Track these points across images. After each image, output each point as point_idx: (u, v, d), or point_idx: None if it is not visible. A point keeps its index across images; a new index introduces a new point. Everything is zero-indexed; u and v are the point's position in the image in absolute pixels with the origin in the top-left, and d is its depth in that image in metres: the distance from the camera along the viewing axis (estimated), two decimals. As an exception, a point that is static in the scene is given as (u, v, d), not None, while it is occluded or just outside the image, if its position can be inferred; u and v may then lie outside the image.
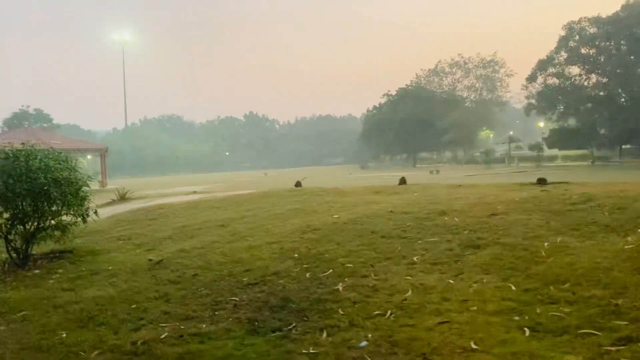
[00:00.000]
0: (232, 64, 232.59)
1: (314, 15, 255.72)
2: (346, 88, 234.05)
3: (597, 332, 3.83)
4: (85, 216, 9.63)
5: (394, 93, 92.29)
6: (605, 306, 4.27)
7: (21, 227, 9.16)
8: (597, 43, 63.05)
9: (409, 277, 5.53)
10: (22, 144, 9.53)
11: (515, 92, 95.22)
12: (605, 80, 62.71)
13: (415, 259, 6.16)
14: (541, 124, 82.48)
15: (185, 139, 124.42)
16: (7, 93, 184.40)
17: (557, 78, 66.07)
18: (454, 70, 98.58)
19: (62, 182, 9.16)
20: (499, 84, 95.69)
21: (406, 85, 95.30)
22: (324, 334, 4.48)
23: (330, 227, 8.35)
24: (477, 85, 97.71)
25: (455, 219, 7.89)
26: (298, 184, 16.94)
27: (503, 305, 4.54)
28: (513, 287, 4.94)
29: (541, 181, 12.17)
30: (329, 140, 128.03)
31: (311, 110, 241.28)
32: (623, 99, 61.27)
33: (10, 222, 9.06)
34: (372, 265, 6.07)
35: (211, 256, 7.80)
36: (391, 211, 8.92)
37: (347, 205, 10.35)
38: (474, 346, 3.83)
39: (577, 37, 64.18)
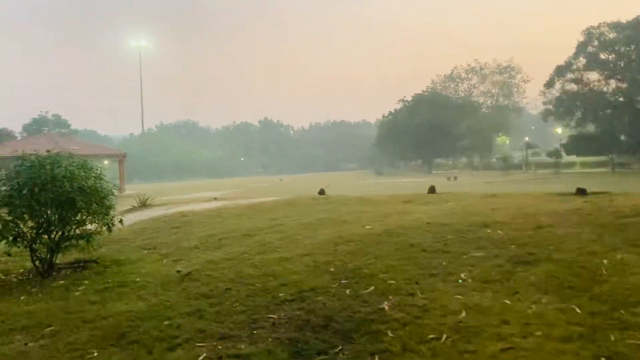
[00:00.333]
0: (247, 70, 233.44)
1: (328, 22, 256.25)
2: (360, 94, 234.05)
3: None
4: (111, 225, 9.44)
5: (409, 99, 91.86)
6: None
7: (46, 236, 8.98)
8: (616, 48, 62.30)
9: (460, 296, 5.21)
10: (48, 151, 9.36)
11: (532, 97, 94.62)
12: (624, 85, 61.83)
13: (463, 275, 5.83)
14: (559, 130, 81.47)
15: (200, 144, 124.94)
16: (26, 99, 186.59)
17: (575, 84, 65.30)
18: (470, 76, 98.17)
19: (88, 190, 8.98)
20: (515, 89, 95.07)
21: (422, 91, 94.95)
22: (376, 360, 4.18)
23: (363, 238, 8.04)
24: (493, 91, 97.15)
25: (499, 231, 7.54)
26: (322, 192, 16.65)
27: (570, 331, 4.20)
28: (578, 310, 4.60)
29: (581, 191, 11.75)
30: (343, 145, 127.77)
31: (325, 116, 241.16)
32: (644, 105, 60.33)
33: (35, 231, 8.88)
34: (417, 283, 5.75)
35: (242, 268, 7.53)
36: (428, 222, 8.58)
37: (378, 215, 10.03)
38: (547, 378, 3.51)
39: (596, 43, 63.45)
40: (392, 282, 5.89)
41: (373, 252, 7.21)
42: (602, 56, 63.17)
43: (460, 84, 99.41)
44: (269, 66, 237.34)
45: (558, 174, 53.21)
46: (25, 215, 8.82)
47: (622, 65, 61.75)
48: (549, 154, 65.69)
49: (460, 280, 5.71)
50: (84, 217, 9.22)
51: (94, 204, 9.15)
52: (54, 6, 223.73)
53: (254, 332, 5.28)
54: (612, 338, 3.99)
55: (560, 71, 65.26)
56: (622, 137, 62.33)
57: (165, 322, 5.85)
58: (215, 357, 4.73)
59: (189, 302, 6.49)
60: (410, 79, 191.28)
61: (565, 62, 64.98)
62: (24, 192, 8.54)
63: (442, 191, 15.93)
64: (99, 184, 9.28)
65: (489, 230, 7.66)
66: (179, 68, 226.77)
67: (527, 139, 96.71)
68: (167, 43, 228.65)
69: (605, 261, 5.84)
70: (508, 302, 4.96)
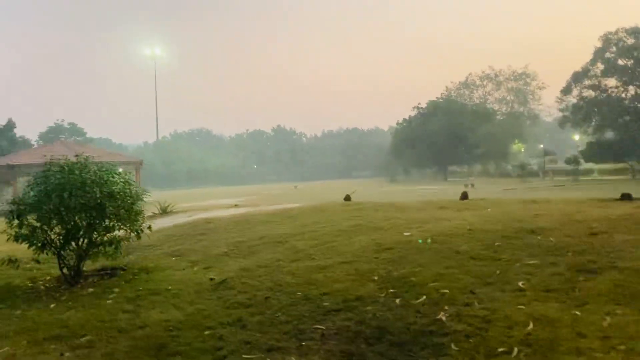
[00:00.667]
0: (260, 78, 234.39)
1: (340, 30, 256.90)
2: (373, 101, 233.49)
3: None
4: (140, 232, 9.22)
5: (424, 106, 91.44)
6: None
7: (74, 242, 8.78)
8: (635, 54, 61.48)
9: (523, 307, 4.88)
10: (76, 156, 9.18)
11: (547, 104, 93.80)
12: (643, 92, 61.06)
13: (520, 284, 5.50)
14: (576, 137, 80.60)
15: (214, 152, 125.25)
16: (42, 107, 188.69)
17: (593, 90, 64.52)
18: (484, 82, 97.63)
19: (117, 196, 8.78)
20: (530, 96, 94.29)
21: (436, 98, 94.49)
22: (444, 375, 3.88)
23: (404, 246, 7.73)
24: (508, 98, 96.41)
25: (551, 238, 7.19)
26: (348, 198, 16.36)
27: (657, 345, 3.88)
28: (659, 322, 4.28)
29: (626, 197, 11.32)
30: (356, 153, 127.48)
31: (338, 123, 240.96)
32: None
33: (63, 237, 8.69)
34: (472, 292, 5.44)
35: (279, 276, 7.26)
36: (470, 229, 8.25)
37: (414, 221, 9.71)
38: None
39: (614, 49, 62.70)
40: (445, 291, 5.58)
41: (417, 259, 6.90)
42: (621, 62, 62.36)
43: (475, 91, 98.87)
44: (282, 74, 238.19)
45: (577, 181, 52.43)
46: (53, 221, 8.66)
47: (641, 71, 60.93)
48: (568, 161, 64.78)
49: (519, 290, 5.39)
50: (112, 223, 9.03)
51: (122, 210, 8.94)
52: (67, 15, 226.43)
53: (303, 343, 5.01)
54: None
55: (577, 77, 64.53)
56: (641, 144, 61.38)
57: (206, 332, 5.60)
58: (265, 370, 4.46)
59: (228, 311, 6.23)
60: (423, 86, 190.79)
61: (582, 68, 64.24)
62: (52, 197, 8.38)
63: (489, 198, 15.50)
64: (127, 189, 9.08)
65: (539, 237, 7.32)
66: (193, 76, 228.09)
67: (541, 145, 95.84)
68: (181, 51, 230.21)
69: (676, 270, 5.50)
70: (578, 313, 4.63)
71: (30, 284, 8.88)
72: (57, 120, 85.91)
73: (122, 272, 9.34)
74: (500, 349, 4.15)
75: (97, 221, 8.88)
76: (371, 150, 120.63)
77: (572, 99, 66.46)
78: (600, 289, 5.13)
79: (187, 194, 55.19)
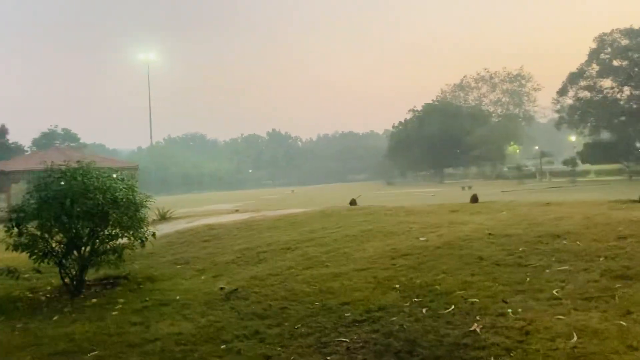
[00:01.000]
0: (254, 82, 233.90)
1: (334, 34, 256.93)
2: (367, 105, 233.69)
3: None
4: (144, 239, 8.90)
5: (419, 108, 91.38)
6: None
7: (76, 251, 8.45)
8: (630, 55, 61.56)
9: (562, 317, 4.59)
10: (78, 161, 8.86)
11: (541, 106, 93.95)
12: (638, 92, 61.08)
13: (555, 292, 5.21)
14: (573, 138, 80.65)
15: (209, 157, 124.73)
16: (34, 113, 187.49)
17: (588, 91, 64.55)
18: (479, 85, 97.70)
19: (121, 202, 8.46)
20: (526, 98, 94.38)
21: (432, 100, 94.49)
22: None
23: (421, 251, 7.44)
24: (503, 99, 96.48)
25: (578, 242, 6.92)
26: (353, 202, 16.07)
27: None
28: None
29: (645, 199, 11.09)
30: (351, 156, 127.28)
31: (333, 127, 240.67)
32: (659, 112, 59.46)
33: (65, 246, 8.36)
34: (504, 301, 5.14)
35: (293, 285, 6.96)
36: (490, 233, 7.97)
37: (427, 226, 9.43)
38: None
39: (609, 50, 62.77)
40: (474, 300, 5.29)
41: (438, 266, 6.61)
42: (616, 63, 62.42)
43: (470, 93, 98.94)
44: (276, 78, 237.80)
45: (574, 183, 52.33)
46: (54, 229, 8.33)
47: (636, 71, 60.97)
48: (565, 162, 64.74)
49: (554, 298, 5.10)
50: (116, 230, 8.71)
51: (125, 217, 8.63)
52: (61, 20, 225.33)
53: (328, 358, 4.70)
54: None
55: (573, 78, 64.54)
56: (638, 145, 61.45)
57: (222, 347, 5.29)
58: (291, 388, 4.16)
59: (243, 322, 5.92)
60: (419, 90, 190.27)
61: (577, 69, 64.26)
62: (53, 204, 8.06)
63: (502, 201, 15.20)
64: (131, 196, 8.76)
65: (564, 242, 7.04)
66: (187, 81, 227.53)
67: (536, 147, 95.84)
68: (175, 56, 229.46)
69: None
70: (623, 323, 4.34)
71: (30, 295, 8.55)
72: (51, 126, 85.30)
73: (125, 281, 9.03)
74: (546, 364, 3.87)
75: (100, 229, 8.57)
76: (367, 154, 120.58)
77: (568, 100, 66.52)
78: (640, 296, 4.86)
79: (183, 199, 54.65)
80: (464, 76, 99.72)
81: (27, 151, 74.57)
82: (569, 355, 3.93)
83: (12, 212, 8.26)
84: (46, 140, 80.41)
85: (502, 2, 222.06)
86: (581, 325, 4.38)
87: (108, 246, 8.73)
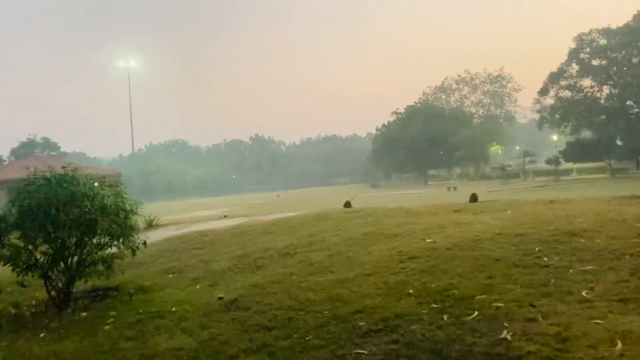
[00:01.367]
0: (236, 88, 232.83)
1: (314, 38, 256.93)
2: (349, 108, 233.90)
3: None
4: (135, 248, 8.44)
5: (402, 111, 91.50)
6: None
7: (62, 262, 7.96)
8: (608, 54, 62.23)
9: (599, 321, 4.27)
10: (64, 167, 8.37)
11: (521, 107, 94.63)
12: (617, 91, 61.74)
13: (584, 294, 4.89)
14: (554, 137, 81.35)
15: (191, 163, 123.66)
16: (13, 123, 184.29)
17: (569, 90, 65.09)
18: (460, 86, 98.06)
19: (110, 209, 7.99)
20: (507, 98, 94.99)
21: (414, 102, 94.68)
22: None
23: (431, 254, 7.09)
24: (484, 100, 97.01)
25: (597, 240, 6.64)
26: (348, 204, 15.70)
27: None
28: None
29: (649, 194, 10.91)
30: (335, 160, 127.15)
31: (316, 131, 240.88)
32: (638, 110, 60.11)
33: (51, 257, 7.86)
34: (532, 305, 4.80)
35: (297, 292, 6.55)
36: (499, 233, 7.64)
37: (431, 227, 9.09)
38: None
39: (588, 49, 63.37)
40: (498, 305, 4.94)
41: (452, 269, 6.26)
42: (595, 62, 63.03)
43: (451, 95, 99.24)
44: (258, 82, 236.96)
45: (558, 181, 52.58)
46: (38, 240, 7.84)
47: (615, 69, 61.66)
48: (548, 161, 65.14)
49: (585, 301, 4.77)
50: (105, 239, 8.24)
51: (114, 225, 8.16)
52: (37, 26, 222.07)
53: (347, 372, 4.32)
54: None
55: (553, 78, 65.00)
56: (619, 143, 62.09)
57: (229, 363, 4.88)
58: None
59: (248, 335, 5.51)
60: (400, 92, 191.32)
61: (558, 69, 64.77)
62: (38, 213, 7.57)
63: (504, 200, 14.90)
64: (120, 202, 8.30)
65: (582, 240, 6.74)
66: (168, 87, 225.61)
67: (517, 147, 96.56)
68: (155, 62, 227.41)
69: None
70: (668, 326, 4.03)
71: (14, 311, 8.04)
72: (30, 135, 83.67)
73: (115, 292, 8.57)
74: (593, 375, 3.54)
75: (88, 238, 8.10)
76: (350, 157, 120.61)
77: (549, 100, 67.00)
78: (681, 296, 4.56)
79: (167, 206, 53.78)
80: (445, 78, 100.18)
81: (5, 161, 73.08)
82: (617, 364, 3.60)
83: (-7, 223, 7.75)
84: (25, 149, 78.84)
85: (481, 5, 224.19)
86: (622, 330, 4.05)
87: (96, 256, 8.25)
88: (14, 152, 79.71)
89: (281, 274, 7.57)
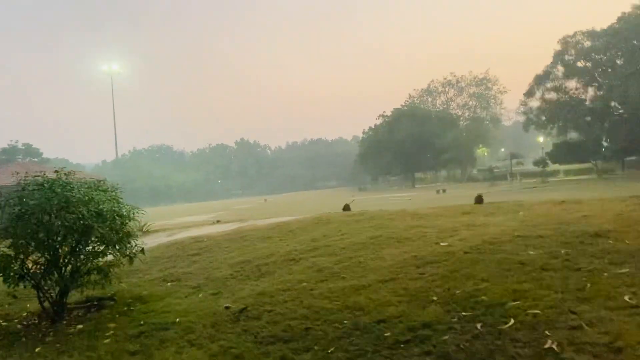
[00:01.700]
0: (220, 92, 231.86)
1: (299, 41, 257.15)
2: (335, 111, 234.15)
3: None
4: (132, 256, 8.02)
5: (388, 114, 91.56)
6: None
7: (56, 272, 7.51)
8: (593, 56, 62.79)
9: (651, 328, 3.97)
10: (56, 172, 7.93)
11: (507, 109, 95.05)
12: (602, 92, 62.27)
13: (627, 299, 4.59)
14: (540, 139, 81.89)
15: (176, 168, 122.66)
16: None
17: (555, 92, 65.55)
18: (446, 89, 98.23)
19: (107, 215, 7.56)
20: (492, 101, 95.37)
21: (401, 105, 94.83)
22: None
23: (448, 258, 6.76)
24: (470, 103, 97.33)
25: (627, 242, 6.36)
26: (347, 208, 15.36)
27: None
28: None
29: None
30: (321, 164, 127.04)
31: (302, 134, 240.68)
32: (622, 111, 60.65)
33: (44, 267, 7.41)
34: (572, 312, 4.49)
35: (310, 301, 6.19)
36: (518, 235, 7.34)
37: (443, 229, 8.77)
38: None
39: (573, 51, 63.90)
40: (535, 312, 4.61)
41: (476, 274, 5.92)
42: (579, 64, 63.58)
43: (437, 97, 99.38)
44: (243, 86, 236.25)
45: (546, 183, 52.82)
46: (30, 249, 7.38)
47: (600, 71, 62.23)
48: (536, 163, 65.52)
49: (630, 306, 4.46)
50: (101, 247, 7.80)
51: (111, 231, 7.73)
52: (21, 32, 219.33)
53: (380, 389, 3.97)
54: None
55: (539, 80, 65.48)
56: (605, 144, 62.63)
57: (247, 379, 4.51)
58: None
59: (264, 348, 5.13)
60: (386, 95, 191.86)
61: (543, 71, 65.25)
62: (29, 220, 7.14)
63: (512, 200, 14.57)
64: (117, 208, 7.87)
65: (610, 241, 6.46)
66: (151, 92, 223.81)
67: (503, 149, 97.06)
68: (138, 67, 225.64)
69: None
70: None
71: (4, 323, 7.57)
72: (11, 141, 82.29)
73: (112, 303, 8.12)
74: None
75: (82, 245, 7.66)
76: (336, 160, 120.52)
77: (535, 102, 67.41)
78: None
79: (153, 212, 53.00)
80: (431, 81, 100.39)
81: (-14, 168, 71.66)
82: (685, 377, 3.29)
83: (-20, 232, 7.29)
84: (6, 156, 77.53)
85: (467, 8, 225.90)
86: (680, 338, 3.75)
87: (92, 264, 7.82)
88: (-6, 159, 78.36)
89: (289, 281, 7.20)
